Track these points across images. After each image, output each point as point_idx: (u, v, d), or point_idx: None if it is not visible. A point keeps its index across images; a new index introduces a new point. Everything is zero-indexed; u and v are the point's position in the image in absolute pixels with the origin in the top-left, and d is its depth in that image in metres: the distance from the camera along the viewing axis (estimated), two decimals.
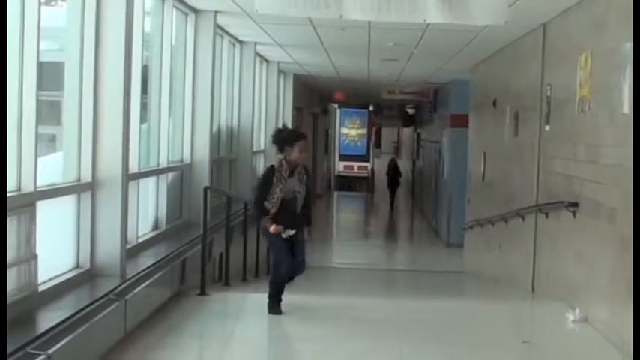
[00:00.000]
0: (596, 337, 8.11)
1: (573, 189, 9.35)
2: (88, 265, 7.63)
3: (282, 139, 8.73)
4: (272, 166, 8.69)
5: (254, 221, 10.12)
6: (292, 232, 8.61)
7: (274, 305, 8.74)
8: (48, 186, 6.92)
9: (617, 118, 7.85)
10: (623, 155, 7.60)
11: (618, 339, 7.57)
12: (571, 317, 8.67)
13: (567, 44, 10.25)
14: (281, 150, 8.70)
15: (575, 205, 8.93)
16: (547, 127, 11.00)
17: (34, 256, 6.25)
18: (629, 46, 7.55)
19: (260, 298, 8.64)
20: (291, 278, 8.79)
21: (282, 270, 8.68)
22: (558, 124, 10.44)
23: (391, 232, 28.53)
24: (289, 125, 22.16)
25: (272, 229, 8.56)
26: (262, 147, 19.33)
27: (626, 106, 7.57)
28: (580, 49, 9.42)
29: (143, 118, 9.76)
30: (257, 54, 16.64)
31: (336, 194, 40.65)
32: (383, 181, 43.39)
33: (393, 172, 35.10)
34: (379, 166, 47.70)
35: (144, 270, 8.19)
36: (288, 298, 8.77)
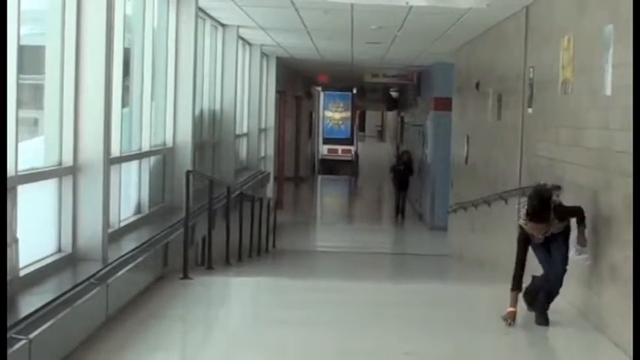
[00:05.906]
0: (578, 318, 8.13)
1: (556, 171, 9.36)
2: (69, 250, 7.59)
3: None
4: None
5: None
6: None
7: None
8: (29, 170, 6.87)
9: (600, 100, 7.85)
10: (605, 137, 7.60)
11: (600, 321, 7.59)
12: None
13: (550, 26, 10.24)
14: None
15: (558, 187, 8.93)
16: (530, 110, 11.00)
17: (15, 241, 6.21)
18: (610, 28, 7.55)
19: (243, 282, 8.60)
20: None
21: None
22: (541, 106, 10.44)
23: (375, 216, 28.52)
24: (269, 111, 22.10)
25: None
26: (245, 130, 19.29)
27: (608, 89, 7.57)
28: (562, 32, 9.42)
29: (125, 102, 9.70)
30: (239, 37, 16.58)
31: (319, 177, 40.62)
32: (366, 165, 43.49)
33: (405, 168, 26.66)
34: (362, 149, 47.69)
35: (126, 254, 8.16)
36: (268, 281, 8.69)
